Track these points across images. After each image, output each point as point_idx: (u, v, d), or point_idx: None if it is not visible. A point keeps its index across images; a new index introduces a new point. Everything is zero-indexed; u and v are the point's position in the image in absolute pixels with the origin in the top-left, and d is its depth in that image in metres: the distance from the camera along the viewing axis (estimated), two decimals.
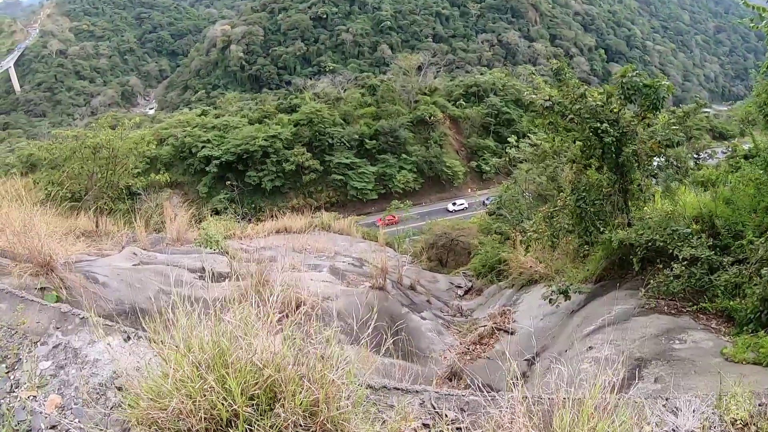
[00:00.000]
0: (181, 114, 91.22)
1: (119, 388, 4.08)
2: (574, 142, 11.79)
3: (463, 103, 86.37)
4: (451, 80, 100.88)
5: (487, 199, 67.62)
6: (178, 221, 15.86)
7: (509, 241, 20.09)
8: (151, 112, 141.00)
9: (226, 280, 10.35)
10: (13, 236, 8.28)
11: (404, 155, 74.84)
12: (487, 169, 75.07)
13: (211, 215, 20.03)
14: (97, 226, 16.80)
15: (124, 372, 3.90)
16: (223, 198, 60.98)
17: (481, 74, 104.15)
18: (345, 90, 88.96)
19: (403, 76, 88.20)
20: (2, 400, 4.32)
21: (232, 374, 2.83)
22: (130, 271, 9.95)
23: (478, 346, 11.93)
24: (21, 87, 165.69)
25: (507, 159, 26.96)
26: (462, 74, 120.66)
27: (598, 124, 10.47)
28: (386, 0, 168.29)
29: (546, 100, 11.20)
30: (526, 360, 9.47)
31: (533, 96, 11.65)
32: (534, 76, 13.21)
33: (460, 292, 20.37)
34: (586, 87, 11.36)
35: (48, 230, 8.31)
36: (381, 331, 3.87)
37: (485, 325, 12.92)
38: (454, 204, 70.45)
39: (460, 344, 12.42)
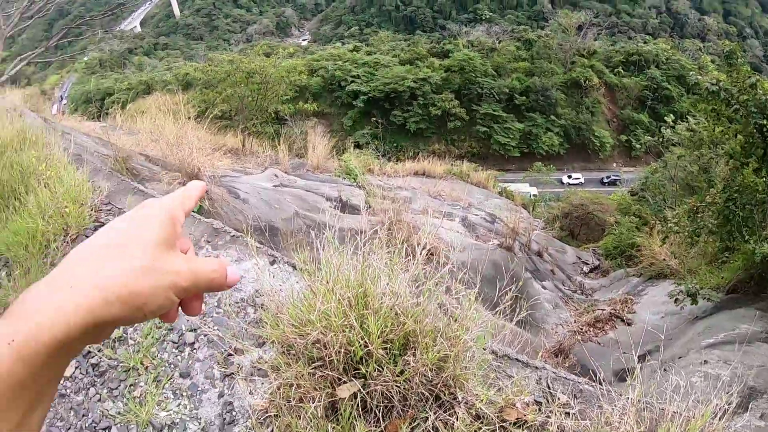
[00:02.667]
0: (334, 48, 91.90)
1: (261, 306, 4.35)
2: (735, 136, 10.94)
3: (622, 71, 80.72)
4: (611, 45, 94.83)
5: (607, 177, 64.66)
6: (319, 150, 16.38)
7: (646, 227, 19.21)
8: (304, 43, 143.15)
9: (360, 213, 10.63)
10: (167, 147, 8.94)
11: (553, 117, 71.71)
12: (638, 146, 70.78)
13: (353, 148, 20.49)
14: (243, 146, 17.74)
15: (267, 292, 4.14)
16: (366, 133, 60.77)
17: (645, 43, 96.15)
18: (500, 41, 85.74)
19: (562, 34, 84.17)
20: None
21: (372, 316, 2.96)
22: (270, 191, 10.43)
23: (591, 329, 11.68)
24: (180, 12, 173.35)
25: (660, 139, 25.43)
26: (624, 40, 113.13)
27: (765, 122, 9.68)
28: None
29: (713, 84, 10.43)
30: (637, 355, 9.18)
31: (699, 77, 10.88)
32: (701, 55, 12.32)
33: (585, 268, 19.87)
34: (758, 77, 10.44)
35: (198, 144, 8.89)
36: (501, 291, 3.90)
37: (603, 309, 12.60)
38: (569, 177, 66.75)
39: (575, 322, 12.22)
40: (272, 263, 4.91)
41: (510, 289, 3.62)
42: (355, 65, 72.57)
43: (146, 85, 71.90)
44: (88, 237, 3.32)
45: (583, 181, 64.97)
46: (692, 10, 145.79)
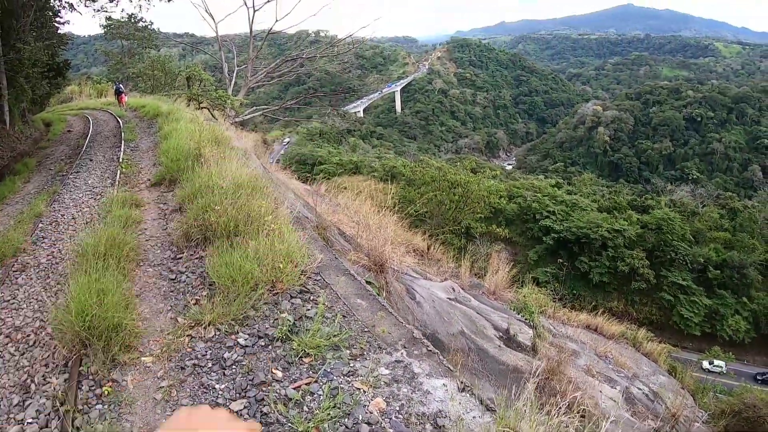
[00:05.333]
0: (536, 179, 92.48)
1: (440, 427, 4.43)
2: None
3: None
4: None
5: (762, 375, 57.50)
6: (499, 276, 16.28)
7: None
8: (509, 167, 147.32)
9: (524, 351, 10.37)
10: (364, 230, 9.48)
11: (745, 299, 64.80)
12: None
13: (533, 284, 20.24)
14: (428, 250, 18.13)
15: (449, 417, 4.42)
16: (548, 272, 59.27)
17: None
18: (704, 206, 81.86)
19: None
20: (336, 378, 4.98)
21: None
22: (444, 303, 10.51)
23: None
24: (401, 109, 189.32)
25: None
26: None
27: None
28: None
29: None
30: None
31: None
32: None
33: None
34: None
35: (393, 238, 9.32)
36: None
37: None
38: (710, 363, 57.79)
39: None
40: (461, 390, 4.97)
41: None
42: (554, 201, 71.96)
43: (355, 165, 77.39)
44: (292, 296, 5.06)
45: (724, 371, 56.70)
46: None
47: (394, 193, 22.12)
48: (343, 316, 6.22)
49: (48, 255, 9.47)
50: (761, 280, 66.45)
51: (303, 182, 21.55)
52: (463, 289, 13.42)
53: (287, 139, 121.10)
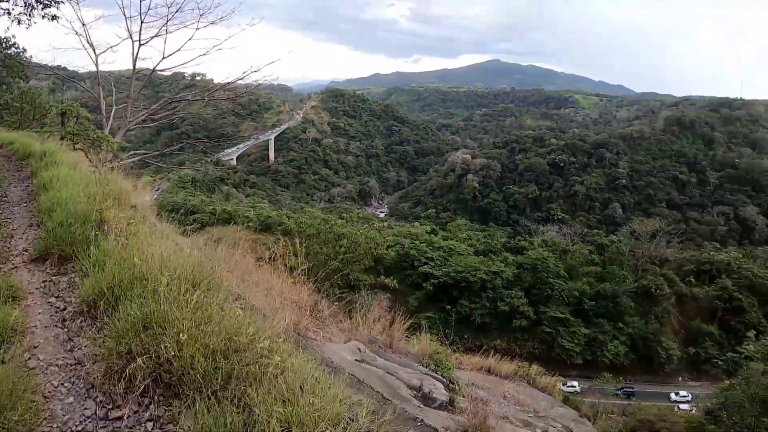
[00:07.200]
0: (412, 226, 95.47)
1: None
2: None
3: (693, 280, 78.20)
4: (680, 253, 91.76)
5: (620, 389, 60.89)
6: (394, 329, 15.89)
7: None
8: (381, 215, 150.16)
9: (442, 408, 9.98)
10: (279, 299, 8.80)
11: (621, 324, 70.04)
12: (718, 361, 64.96)
13: (426, 332, 20.07)
14: (315, 306, 17.49)
15: None
16: (434, 317, 60.62)
17: (715, 251, 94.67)
18: (573, 243, 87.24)
19: (635, 240, 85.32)
20: None
21: None
22: (356, 366, 9.96)
23: None
24: (275, 158, 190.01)
25: (742, 355, 23.88)
26: (692, 247, 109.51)
27: None
28: (624, 158, 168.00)
29: None
30: None
31: None
32: None
33: None
34: None
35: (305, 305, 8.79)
36: None
37: None
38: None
39: None
40: None
41: None
42: (431, 248, 74.19)
43: (229, 215, 76.61)
44: None
45: (578, 390, 60.00)
46: (761, 216, 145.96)
47: (273, 245, 21.41)
48: None
49: None
50: (633, 306, 72.20)
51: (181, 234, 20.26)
52: (365, 346, 12.92)
53: (158, 187, 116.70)
